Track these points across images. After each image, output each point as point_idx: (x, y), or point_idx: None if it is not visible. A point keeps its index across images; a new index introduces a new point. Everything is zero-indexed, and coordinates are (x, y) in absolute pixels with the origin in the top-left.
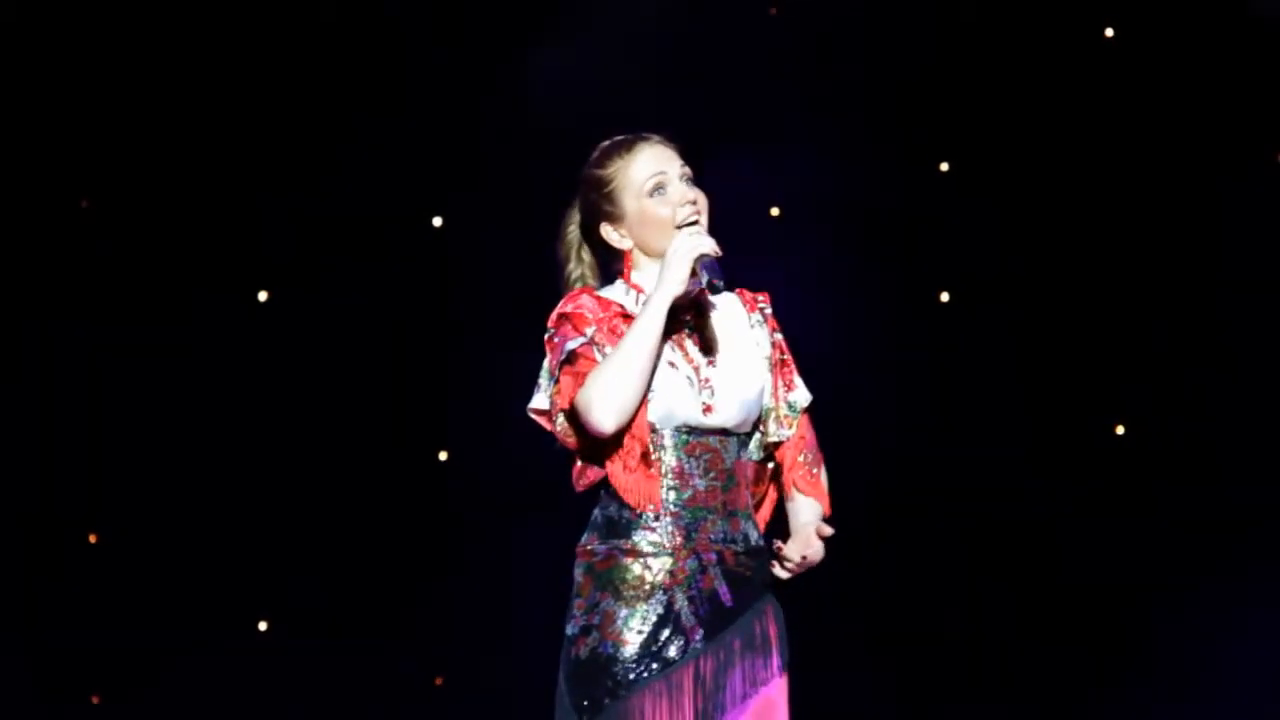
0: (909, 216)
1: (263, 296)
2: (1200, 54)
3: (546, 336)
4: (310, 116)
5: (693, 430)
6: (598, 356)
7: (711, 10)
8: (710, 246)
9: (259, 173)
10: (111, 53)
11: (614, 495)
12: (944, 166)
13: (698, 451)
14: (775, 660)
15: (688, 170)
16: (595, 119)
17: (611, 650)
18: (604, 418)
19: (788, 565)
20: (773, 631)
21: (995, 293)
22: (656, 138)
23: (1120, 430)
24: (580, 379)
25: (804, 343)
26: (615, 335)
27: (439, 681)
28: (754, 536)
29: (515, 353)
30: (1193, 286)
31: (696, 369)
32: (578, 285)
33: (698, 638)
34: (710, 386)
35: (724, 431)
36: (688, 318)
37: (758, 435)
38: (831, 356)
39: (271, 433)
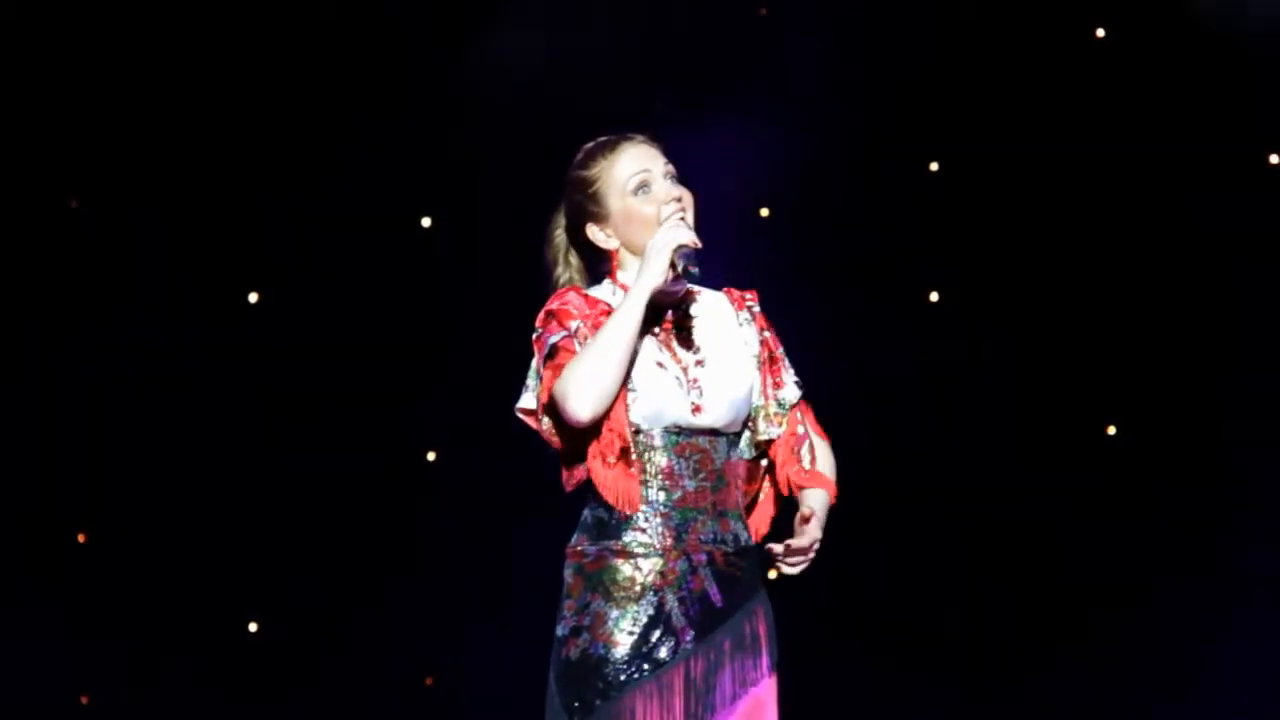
0: (898, 216)
1: (253, 298)
2: (1192, 53)
3: (534, 336)
4: (303, 118)
5: (682, 430)
6: (577, 349)
7: (700, 11)
8: (689, 238)
9: (251, 173)
10: (104, 51)
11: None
12: (934, 166)
13: (687, 452)
14: (765, 660)
15: (671, 168)
16: (586, 119)
17: (602, 651)
18: (579, 406)
19: (784, 563)
20: (762, 632)
21: (984, 292)
22: (640, 137)
23: (1112, 430)
24: (560, 371)
25: (793, 343)
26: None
27: (429, 682)
28: (744, 537)
29: (505, 352)
30: (1185, 286)
31: (685, 369)
32: (564, 286)
33: (688, 639)
34: (699, 386)
35: (713, 432)
36: (675, 317)
37: (748, 434)
38: (821, 356)
39: (262, 433)
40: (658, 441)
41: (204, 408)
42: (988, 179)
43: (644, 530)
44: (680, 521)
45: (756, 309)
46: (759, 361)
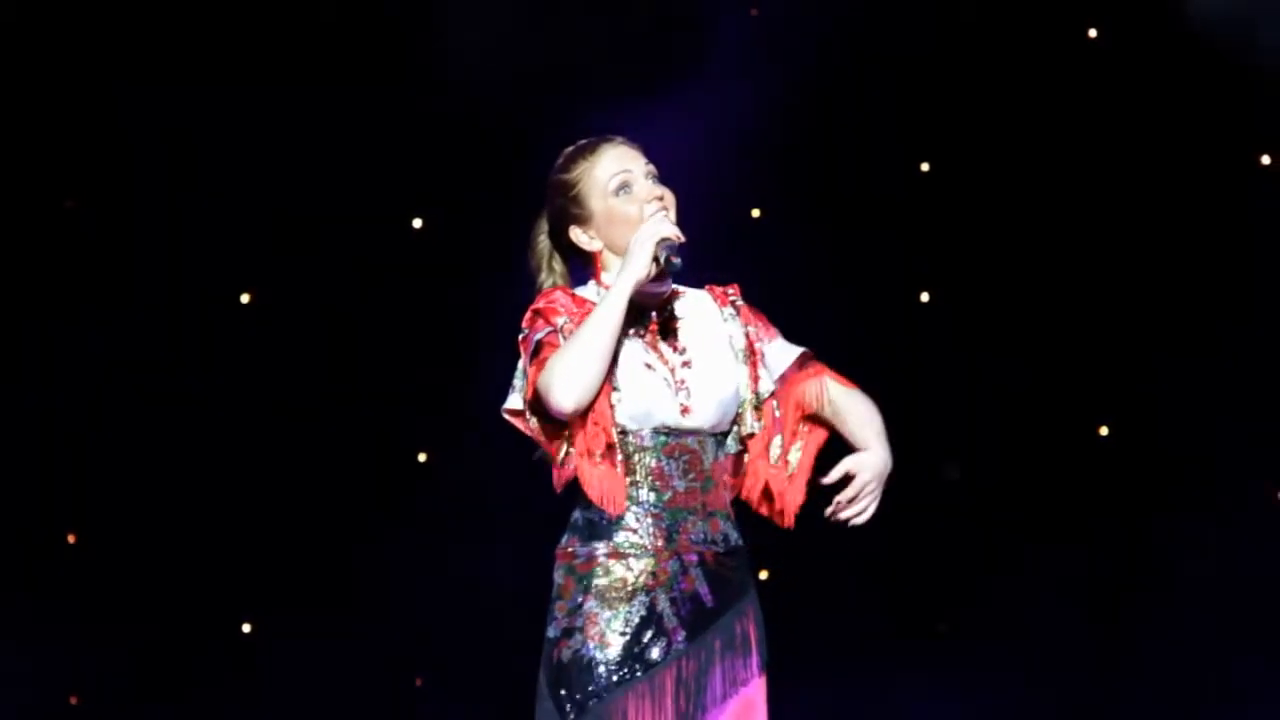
0: (889, 216)
1: (245, 298)
2: (1184, 54)
3: (520, 337)
4: (296, 118)
5: (671, 431)
6: (562, 343)
7: (692, 11)
8: (672, 231)
9: (242, 173)
10: (98, 52)
11: None
12: (925, 166)
13: (676, 453)
14: (755, 660)
15: (652, 168)
16: (576, 121)
17: (594, 652)
18: (563, 396)
19: (850, 508)
20: (753, 632)
21: (975, 293)
22: (619, 139)
23: (1104, 431)
24: (543, 364)
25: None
26: None
27: (419, 683)
28: (734, 537)
29: (497, 352)
30: (1177, 286)
31: (672, 370)
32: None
33: (680, 639)
34: (686, 388)
35: (701, 432)
36: (661, 319)
37: (734, 429)
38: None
39: (253, 433)
40: (647, 442)
41: (195, 408)
42: (979, 180)
43: (635, 531)
44: (671, 522)
45: (740, 303)
46: (745, 356)
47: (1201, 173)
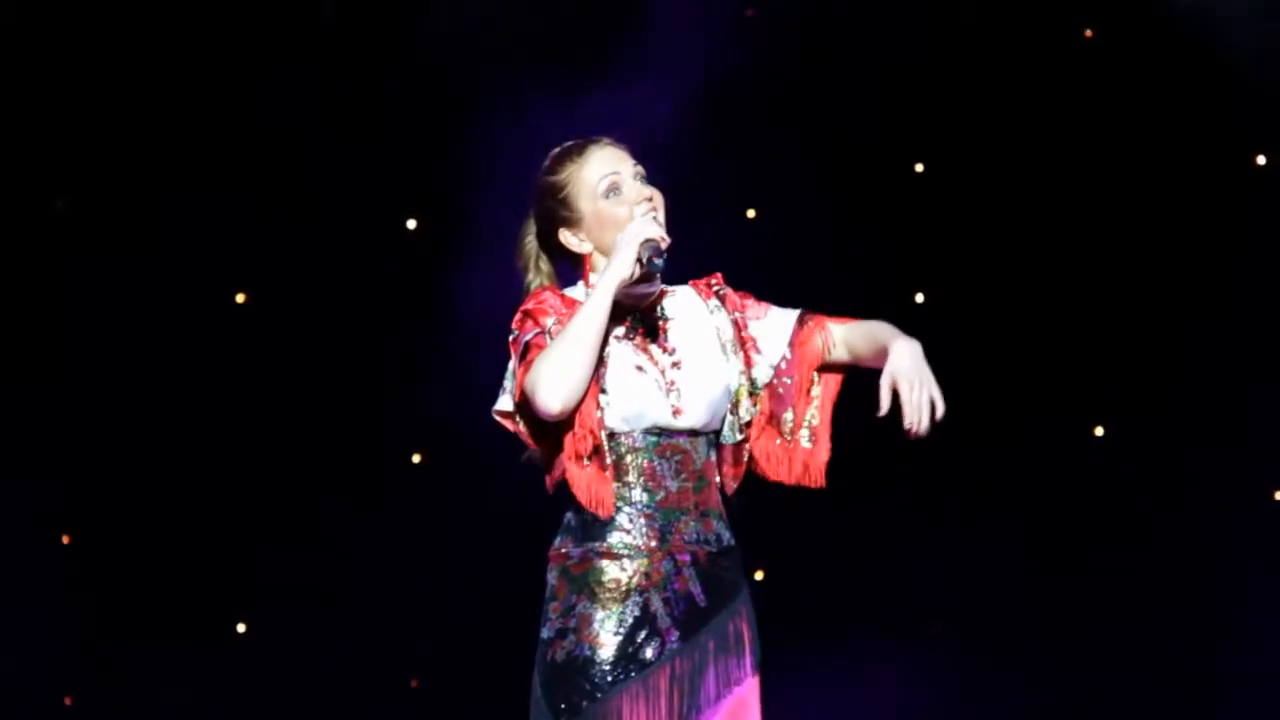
0: (884, 217)
1: (240, 299)
2: (1179, 55)
3: (510, 338)
4: (286, 118)
5: (663, 432)
6: (549, 343)
7: (689, 12)
8: (657, 233)
9: (235, 175)
10: (89, 54)
11: None
12: (919, 167)
13: (668, 453)
14: (748, 660)
15: (640, 169)
16: (571, 122)
17: (589, 653)
18: (549, 397)
19: (916, 416)
20: (745, 631)
21: (971, 294)
22: (606, 139)
23: (1099, 432)
24: (529, 365)
25: None
26: None
27: (415, 683)
28: (726, 536)
29: (490, 353)
30: (1173, 286)
31: (663, 371)
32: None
33: (673, 639)
34: (677, 389)
35: (693, 432)
36: (650, 320)
37: (730, 418)
38: None
39: (249, 434)
40: (639, 443)
41: (191, 408)
42: (974, 180)
43: (628, 531)
44: (664, 522)
45: (724, 291)
46: (734, 347)
47: (1197, 172)
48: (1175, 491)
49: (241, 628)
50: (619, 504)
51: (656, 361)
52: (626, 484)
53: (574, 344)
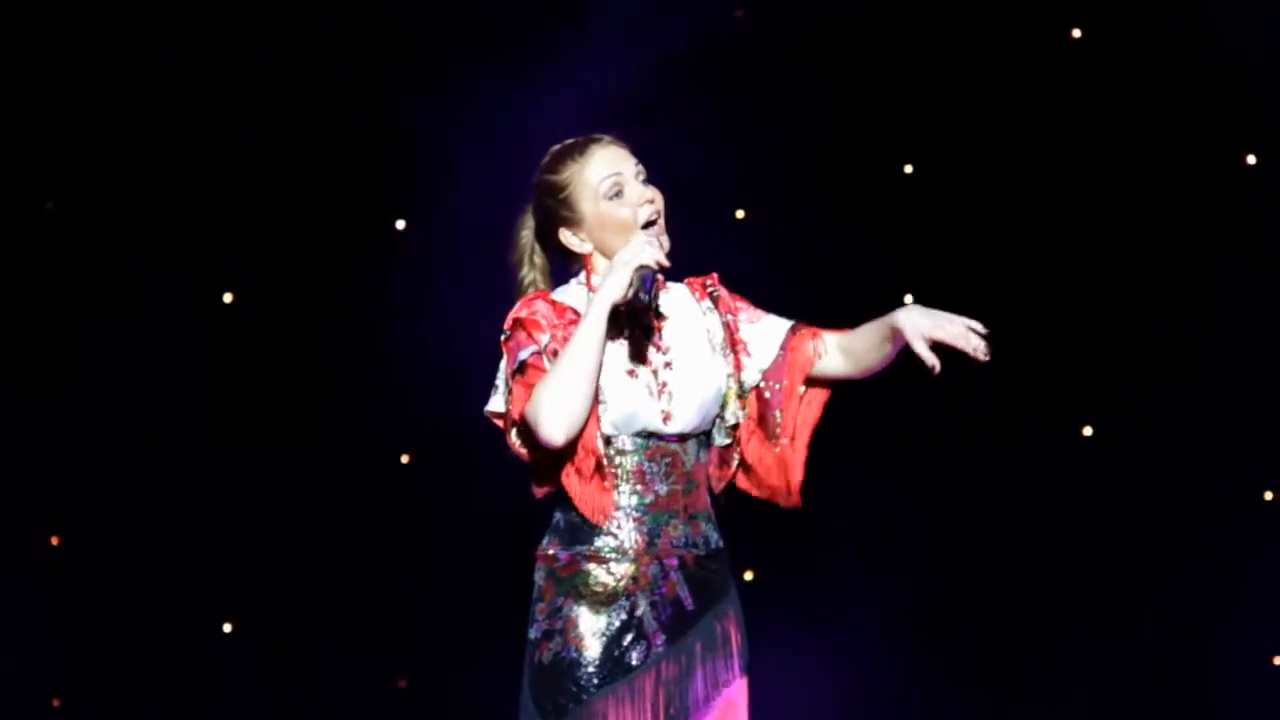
0: (873, 218)
1: (228, 298)
2: (1168, 53)
3: (503, 339)
4: (272, 118)
5: (652, 435)
6: (547, 366)
7: (677, 12)
8: (653, 258)
9: (222, 173)
10: (76, 53)
11: None
12: (908, 168)
13: (658, 456)
14: (736, 662)
15: (642, 169)
16: (559, 121)
17: (574, 655)
18: (553, 431)
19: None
20: (733, 633)
21: (960, 294)
22: (608, 138)
23: (1088, 432)
24: (530, 391)
25: None
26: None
27: (402, 684)
28: (714, 539)
29: (477, 355)
30: (1161, 287)
31: (655, 372)
32: (530, 290)
33: (659, 642)
34: (669, 392)
35: (682, 436)
36: (644, 321)
37: (718, 421)
38: None
39: (236, 435)
40: (628, 446)
41: (179, 409)
42: (964, 181)
43: (616, 535)
44: (652, 525)
45: (718, 292)
46: (725, 349)
47: (1188, 172)
48: (1165, 492)
49: (228, 628)
50: (587, 516)
51: (649, 361)
52: (615, 487)
53: (573, 373)
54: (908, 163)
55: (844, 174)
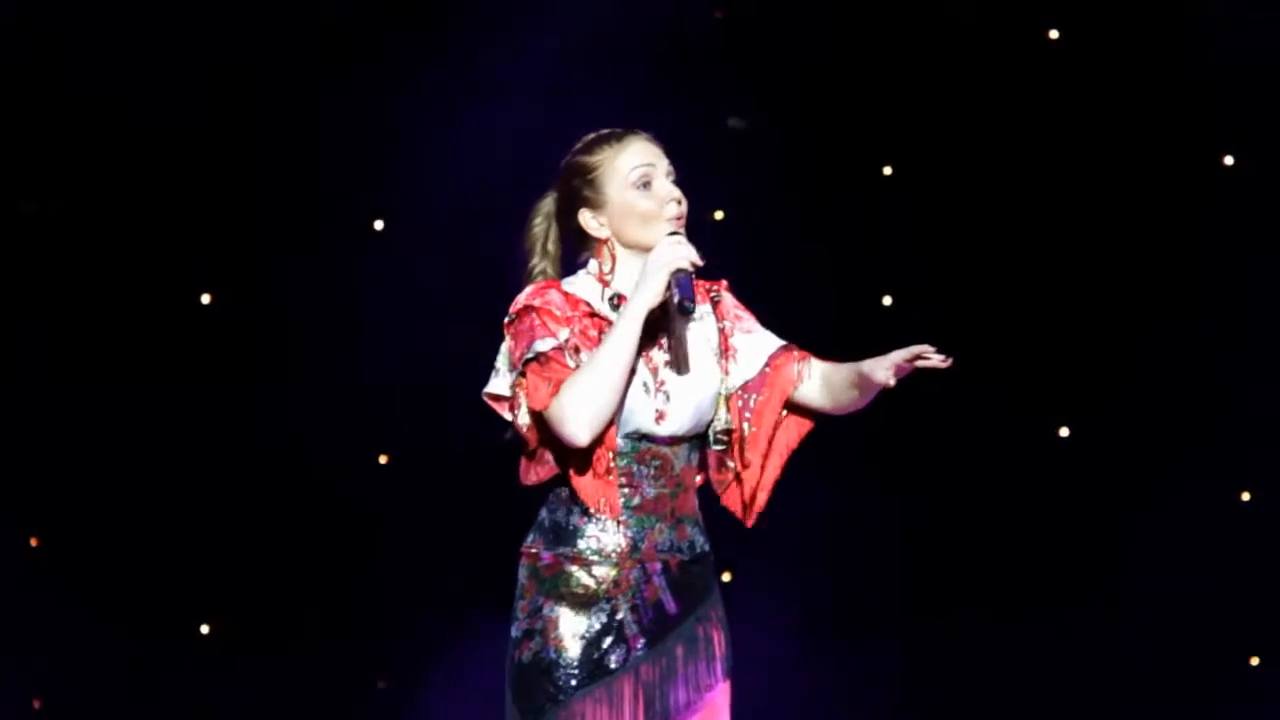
0: (852, 220)
1: (205, 299)
2: (1146, 56)
3: (507, 321)
4: (253, 118)
5: (645, 437)
6: (569, 362)
7: (656, 13)
8: (688, 260)
9: (196, 175)
10: (47, 50)
11: (563, 498)
12: (887, 170)
13: (648, 458)
14: (719, 666)
15: (673, 171)
16: (537, 121)
17: (553, 655)
18: (579, 431)
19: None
20: (716, 637)
21: (938, 296)
22: (646, 133)
23: (1064, 432)
24: (554, 386)
25: None
26: (586, 338)
27: (381, 685)
28: (699, 543)
29: (454, 354)
30: (1138, 288)
31: (654, 370)
32: (540, 279)
33: (639, 646)
34: (665, 391)
35: (675, 439)
36: (676, 327)
37: (712, 425)
38: None
39: (213, 435)
40: (621, 447)
41: (154, 410)
42: (942, 184)
43: (600, 537)
44: (637, 529)
45: (720, 298)
46: (719, 353)
47: (1165, 173)
48: (1142, 492)
49: (205, 629)
50: (594, 509)
51: (651, 360)
52: None
53: (605, 376)
54: (886, 164)
55: (823, 176)
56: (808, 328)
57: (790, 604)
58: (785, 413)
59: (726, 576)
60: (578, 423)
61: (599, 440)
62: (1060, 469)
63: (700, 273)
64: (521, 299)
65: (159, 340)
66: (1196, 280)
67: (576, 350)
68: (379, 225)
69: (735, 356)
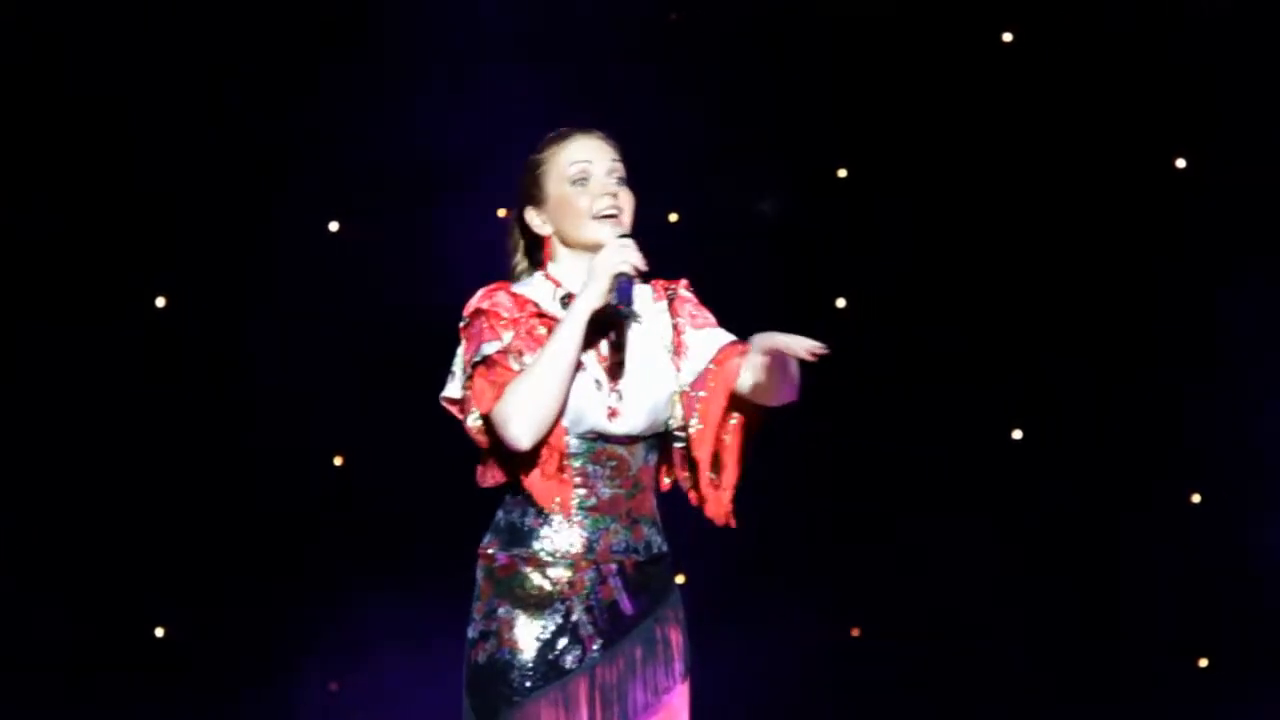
0: (806, 222)
1: (160, 302)
2: (1099, 58)
3: (462, 325)
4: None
5: (600, 436)
6: (513, 365)
7: (611, 16)
8: (630, 264)
9: (165, 176)
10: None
11: (518, 500)
12: (842, 173)
13: (603, 458)
14: (677, 667)
15: (619, 168)
16: (492, 127)
17: (508, 657)
18: (521, 434)
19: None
20: (674, 638)
21: (891, 299)
22: (596, 132)
23: (1018, 435)
24: (498, 389)
25: None
26: (532, 338)
27: (334, 687)
28: (657, 543)
29: (410, 355)
30: (1092, 290)
31: (608, 369)
32: (522, 278)
33: (595, 648)
34: (618, 390)
35: (631, 438)
36: (620, 330)
37: (669, 424)
38: None
39: (168, 437)
40: (576, 448)
41: (108, 412)
42: (896, 185)
43: (554, 539)
44: (592, 530)
45: (675, 294)
46: (671, 350)
47: (1119, 175)
48: (1093, 494)
49: (160, 632)
50: (548, 510)
51: (604, 357)
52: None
53: (544, 379)
54: (841, 167)
55: (778, 178)
56: (760, 330)
57: (746, 604)
58: (734, 409)
59: (680, 579)
60: (519, 426)
61: (544, 441)
62: (1013, 471)
63: (660, 271)
64: (473, 302)
65: (112, 342)
66: (1149, 282)
67: (521, 353)
68: (334, 227)
69: (687, 353)
